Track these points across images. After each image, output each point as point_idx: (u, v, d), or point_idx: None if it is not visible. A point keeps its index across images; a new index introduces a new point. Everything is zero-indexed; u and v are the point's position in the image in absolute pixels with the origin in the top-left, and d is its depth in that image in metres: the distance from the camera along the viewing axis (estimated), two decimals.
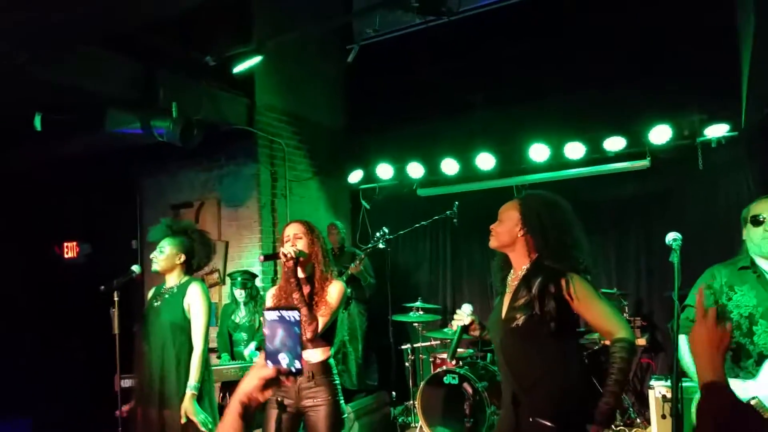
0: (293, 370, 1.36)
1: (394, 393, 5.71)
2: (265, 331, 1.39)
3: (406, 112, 6.66)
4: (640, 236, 5.83)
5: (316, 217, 6.36)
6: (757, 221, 2.55)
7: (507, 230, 2.43)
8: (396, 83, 6.78)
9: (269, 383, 1.38)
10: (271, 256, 3.08)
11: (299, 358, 1.35)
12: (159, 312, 3.44)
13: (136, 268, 3.66)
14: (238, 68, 5.17)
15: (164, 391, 3.34)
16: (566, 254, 2.33)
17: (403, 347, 5.71)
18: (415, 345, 5.72)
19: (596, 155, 5.69)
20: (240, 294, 4.73)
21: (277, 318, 1.37)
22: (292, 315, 1.36)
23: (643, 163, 5.58)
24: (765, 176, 5.32)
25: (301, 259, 2.95)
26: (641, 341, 5.39)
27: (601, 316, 2.28)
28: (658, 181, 5.71)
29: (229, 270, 5.70)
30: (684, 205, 5.58)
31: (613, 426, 5.06)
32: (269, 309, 1.39)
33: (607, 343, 5.41)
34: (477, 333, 2.61)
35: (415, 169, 6.41)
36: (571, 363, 2.33)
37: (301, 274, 2.99)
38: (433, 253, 6.86)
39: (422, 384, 5.02)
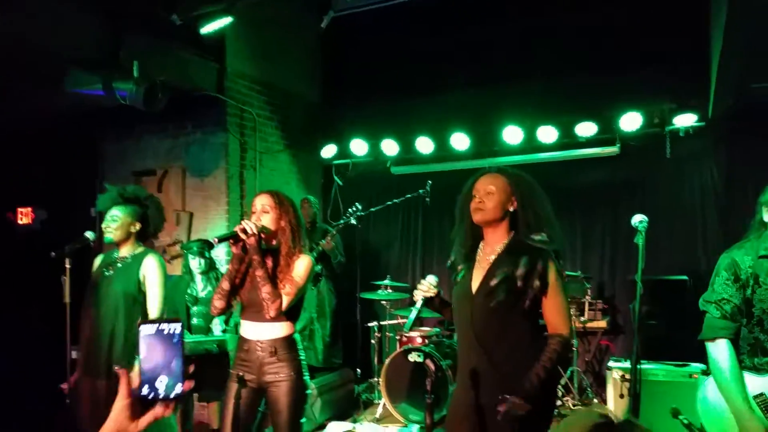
0: (172, 396, 1.16)
1: (358, 370, 5.72)
2: (141, 349, 1.18)
3: (383, 87, 6.58)
4: (607, 221, 5.92)
5: (287, 191, 6.12)
6: None
7: (498, 204, 2.32)
8: (374, 58, 6.69)
9: (140, 410, 1.16)
10: (226, 237, 2.84)
11: (181, 380, 1.16)
12: (111, 281, 3.34)
13: (89, 234, 3.53)
14: (207, 28, 4.98)
15: (112, 361, 3.25)
16: (549, 235, 2.29)
17: (370, 325, 5.70)
18: (382, 323, 5.72)
19: (568, 140, 5.74)
20: (198, 264, 4.59)
21: (154, 332, 1.17)
22: (173, 328, 1.17)
23: (613, 150, 5.65)
24: (730, 166, 5.45)
25: (264, 234, 2.88)
26: (602, 323, 5.51)
27: (557, 309, 2.27)
28: (626, 168, 5.80)
29: (184, 243, 5.57)
30: (650, 193, 5.68)
31: (570, 405, 5.17)
32: (146, 322, 1.19)
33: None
34: (437, 305, 2.54)
35: (390, 147, 6.35)
36: (542, 343, 2.29)
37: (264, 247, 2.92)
38: (404, 232, 6.84)
39: (387, 361, 5.02)
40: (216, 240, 2.82)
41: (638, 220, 2.74)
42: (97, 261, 3.53)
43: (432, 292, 2.48)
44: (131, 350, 3.24)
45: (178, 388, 1.16)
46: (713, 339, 2.42)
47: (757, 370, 2.38)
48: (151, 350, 1.16)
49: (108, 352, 3.26)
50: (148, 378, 1.16)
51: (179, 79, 5.17)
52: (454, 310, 2.50)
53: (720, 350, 2.40)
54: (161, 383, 1.16)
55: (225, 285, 2.88)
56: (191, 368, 1.18)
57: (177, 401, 1.16)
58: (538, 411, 2.21)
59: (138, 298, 3.33)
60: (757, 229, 2.46)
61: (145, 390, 1.15)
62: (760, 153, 5.24)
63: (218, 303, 2.90)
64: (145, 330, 1.17)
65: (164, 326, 1.17)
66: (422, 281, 2.52)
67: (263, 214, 2.91)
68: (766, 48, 3.81)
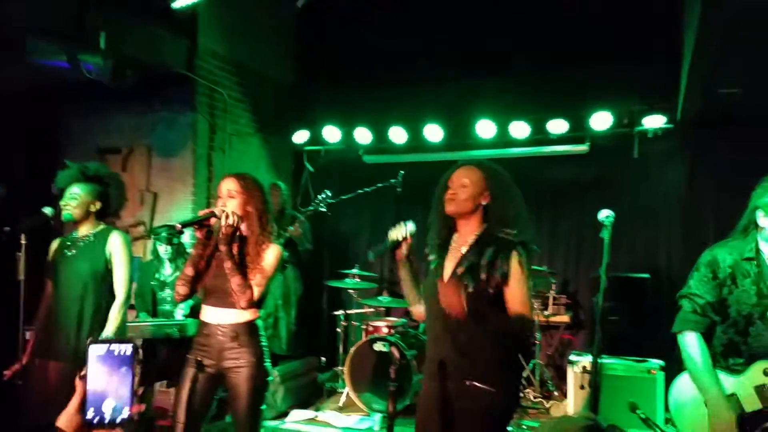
0: (117, 421, 1.12)
1: (323, 358, 5.69)
2: (89, 369, 1.13)
3: (358, 75, 6.52)
4: (574, 219, 6.00)
5: (256, 175, 6.07)
6: None
7: (470, 197, 2.35)
8: (350, 44, 6.61)
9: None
10: (191, 223, 2.75)
11: (129, 404, 1.12)
12: (75, 261, 3.25)
13: (47, 210, 3.43)
14: (179, 3, 4.84)
15: (79, 344, 3.16)
16: (520, 228, 2.32)
17: (336, 313, 5.67)
18: (348, 311, 5.70)
19: (540, 136, 5.78)
20: (165, 250, 4.51)
21: (104, 353, 1.12)
22: (124, 349, 1.12)
23: (583, 148, 5.72)
24: (694, 170, 5.57)
25: (232, 224, 2.82)
26: (564, 318, 5.59)
27: (519, 298, 2.27)
28: (594, 167, 5.88)
29: (156, 224, 5.45)
30: (617, 192, 5.76)
31: (531, 398, 5.23)
32: (96, 342, 1.15)
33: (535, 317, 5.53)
34: (404, 253, 2.50)
35: (363, 135, 6.30)
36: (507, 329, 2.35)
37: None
38: (374, 222, 6.79)
39: (352, 350, 5.01)
40: (179, 225, 2.74)
41: (605, 215, 2.77)
42: (55, 244, 3.42)
43: (403, 235, 2.47)
44: (99, 331, 3.18)
45: (125, 412, 1.12)
46: (683, 331, 2.48)
47: (731, 370, 2.42)
48: (99, 372, 1.12)
49: (75, 334, 3.17)
50: (94, 401, 1.11)
51: (148, 55, 5.00)
52: (424, 299, 2.52)
53: (690, 342, 2.45)
54: (108, 407, 1.12)
55: (189, 271, 2.81)
56: (140, 391, 1.14)
57: (123, 426, 1.12)
58: (502, 400, 2.26)
59: (105, 276, 3.26)
60: (744, 230, 2.48)
61: (90, 413, 1.11)
62: (723, 158, 5.37)
63: (181, 289, 2.83)
64: (95, 350, 1.13)
65: (115, 347, 1.13)
66: (401, 224, 2.51)
67: (229, 199, 2.84)
68: (736, 54, 3.89)
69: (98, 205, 3.34)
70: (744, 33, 3.59)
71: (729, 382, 2.41)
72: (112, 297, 3.26)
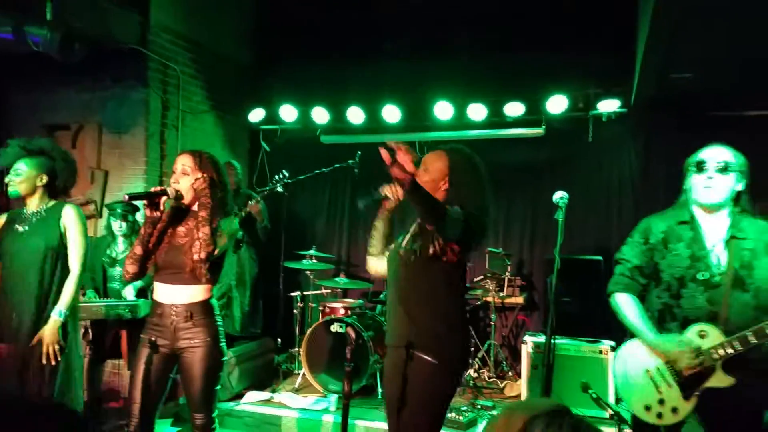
0: None
1: (279, 340, 5.66)
2: None
3: (316, 54, 6.43)
4: (528, 201, 6.09)
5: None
6: (701, 167, 2.45)
7: (431, 181, 2.46)
8: (308, 22, 6.50)
9: None
10: (139, 196, 2.71)
11: None
12: (27, 237, 3.18)
13: None
14: None
15: (40, 323, 3.11)
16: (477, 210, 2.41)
17: (292, 294, 5.63)
18: (305, 293, 5.66)
19: (497, 119, 5.81)
20: (119, 226, 4.39)
21: None
22: None
23: (538, 131, 5.78)
24: (647, 154, 5.71)
25: (184, 201, 2.79)
26: (519, 299, 5.69)
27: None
28: (550, 150, 5.95)
29: (108, 199, 5.29)
30: (571, 175, 5.86)
31: (486, 378, 5.32)
32: None
33: (488, 299, 5.65)
34: (390, 208, 2.66)
35: (320, 115, 6.23)
36: (456, 306, 2.49)
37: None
38: (331, 203, 6.76)
39: (308, 331, 4.99)
40: (127, 197, 2.68)
41: (559, 196, 2.80)
42: (1, 219, 3.31)
43: (394, 194, 2.59)
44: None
45: None
46: (615, 293, 2.60)
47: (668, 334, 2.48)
48: None
49: (33, 312, 3.12)
50: None
51: (98, 29, 4.82)
52: (387, 269, 2.65)
53: (621, 300, 2.58)
54: None
55: (138, 250, 2.75)
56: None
57: None
58: (445, 370, 2.37)
59: (61, 250, 3.22)
60: (681, 201, 2.58)
61: None
62: (676, 142, 5.50)
63: (131, 268, 2.77)
64: None
65: None
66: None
67: (183, 176, 2.78)
68: (688, 40, 3.98)
69: (45, 179, 3.27)
70: (696, 20, 3.68)
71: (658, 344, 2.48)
72: (66, 272, 3.22)
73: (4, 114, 5.84)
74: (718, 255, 2.42)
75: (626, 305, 2.56)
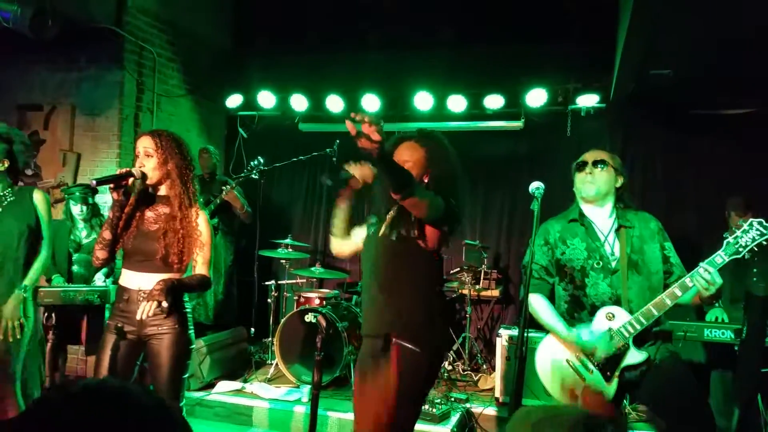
0: None
1: (252, 329, 5.59)
2: None
3: (296, 40, 6.35)
4: (506, 194, 6.09)
5: (187, 139, 5.67)
6: (580, 167, 2.77)
7: (409, 168, 2.43)
8: (289, 8, 6.41)
9: None
10: (106, 180, 2.62)
11: None
12: (4, 218, 3.18)
13: None
14: None
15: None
16: (456, 200, 2.44)
17: (267, 283, 5.57)
18: (280, 282, 5.61)
19: (476, 111, 5.81)
20: (80, 210, 4.28)
21: None
22: None
23: (517, 124, 5.79)
24: (624, 149, 5.73)
25: (148, 182, 2.72)
26: (495, 293, 5.69)
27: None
28: (528, 143, 5.97)
29: (72, 185, 5.18)
30: (549, 169, 5.82)
31: (460, 370, 5.33)
32: None
33: (464, 292, 5.63)
34: (356, 188, 2.63)
35: (299, 102, 6.15)
36: (437, 294, 2.51)
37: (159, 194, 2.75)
38: (309, 191, 6.70)
39: (282, 321, 4.94)
40: (94, 183, 2.61)
41: (535, 186, 2.79)
42: None
43: (362, 174, 2.58)
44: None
45: None
46: (527, 296, 2.71)
47: (581, 324, 2.64)
48: None
49: (9, 292, 3.12)
50: None
51: (73, 8, 4.73)
52: (362, 256, 2.62)
53: (534, 300, 2.75)
54: None
55: (106, 234, 2.68)
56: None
57: None
58: (426, 358, 2.36)
59: (34, 233, 3.26)
60: (572, 204, 2.87)
61: None
62: (653, 137, 5.56)
63: (100, 254, 2.70)
64: None
65: None
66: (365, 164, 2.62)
67: (146, 157, 2.71)
68: (667, 36, 4.00)
69: (6, 163, 3.26)
70: (675, 17, 3.69)
71: (576, 334, 2.62)
72: (34, 255, 3.27)
73: None
74: (611, 244, 2.66)
75: (538, 305, 2.74)
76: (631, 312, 2.55)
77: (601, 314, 2.59)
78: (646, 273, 2.60)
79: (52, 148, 5.43)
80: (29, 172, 3.48)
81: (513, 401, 2.71)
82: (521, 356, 2.86)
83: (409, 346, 2.32)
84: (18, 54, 5.37)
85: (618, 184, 2.73)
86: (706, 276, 2.34)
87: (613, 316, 2.56)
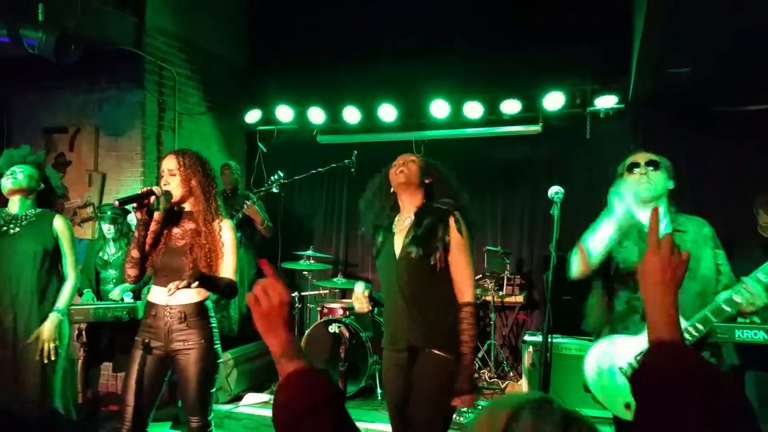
0: None
1: None
2: None
3: (311, 54, 6.41)
4: (527, 199, 6.04)
5: (208, 155, 5.81)
6: (631, 167, 2.64)
7: (420, 170, 2.58)
8: (303, 22, 6.49)
9: None
10: (129, 200, 2.68)
11: None
12: (20, 239, 3.20)
13: None
14: None
15: (32, 325, 3.12)
16: (462, 199, 2.59)
17: (291, 295, 5.59)
18: (303, 293, 5.64)
19: (493, 117, 5.79)
20: (108, 229, 4.38)
21: None
22: None
23: (536, 128, 5.76)
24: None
25: (173, 200, 2.78)
26: (519, 298, 5.65)
27: (463, 269, 2.49)
28: (547, 147, 5.92)
29: (99, 205, 5.29)
30: (569, 172, 5.82)
31: (486, 378, 5.29)
32: None
33: (488, 299, 5.59)
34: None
35: (316, 115, 6.21)
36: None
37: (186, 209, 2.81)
38: (328, 202, 6.73)
39: (307, 332, 4.97)
40: (117, 202, 2.68)
41: (554, 191, 2.78)
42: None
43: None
44: (49, 309, 3.21)
45: None
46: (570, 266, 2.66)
47: (635, 329, 2.50)
48: None
49: (28, 313, 3.15)
50: None
51: (94, 31, 4.85)
52: (380, 278, 2.67)
53: (577, 251, 2.61)
54: None
55: (134, 253, 2.74)
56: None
57: None
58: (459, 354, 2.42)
59: (54, 255, 3.30)
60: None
61: None
62: (674, 138, 5.48)
63: (131, 271, 2.77)
64: None
65: None
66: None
67: (170, 176, 2.78)
68: (685, 33, 3.95)
69: (43, 186, 3.36)
70: (692, 13, 3.65)
71: (635, 342, 2.48)
72: (56, 275, 3.30)
73: (2, 118, 5.85)
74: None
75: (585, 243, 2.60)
76: (686, 320, 2.41)
77: None
78: (699, 279, 2.50)
79: (77, 169, 5.55)
80: (57, 198, 3.53)
81: None
82: (546, 362, 2.84)
83: (444, 354, 2.41)
84: (42, 79, 5.53)
85: (671, 186, 2.63)
86: (747, 296, 2.28)
87: None
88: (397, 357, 2.52)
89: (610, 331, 2.59)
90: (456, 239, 2.47)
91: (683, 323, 2.37)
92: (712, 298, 2.41)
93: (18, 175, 3.24)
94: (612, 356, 2.53)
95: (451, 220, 2.48)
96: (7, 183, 3.23)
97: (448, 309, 2.46)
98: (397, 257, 2.53)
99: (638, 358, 2.46)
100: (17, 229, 3.20)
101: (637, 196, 2.59)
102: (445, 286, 2.49)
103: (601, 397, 2.58)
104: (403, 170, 2.56)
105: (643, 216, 2.58)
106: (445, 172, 2.66)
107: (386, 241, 2.63)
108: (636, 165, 2.64)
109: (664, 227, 2.56)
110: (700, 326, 2.36)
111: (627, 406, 2.47)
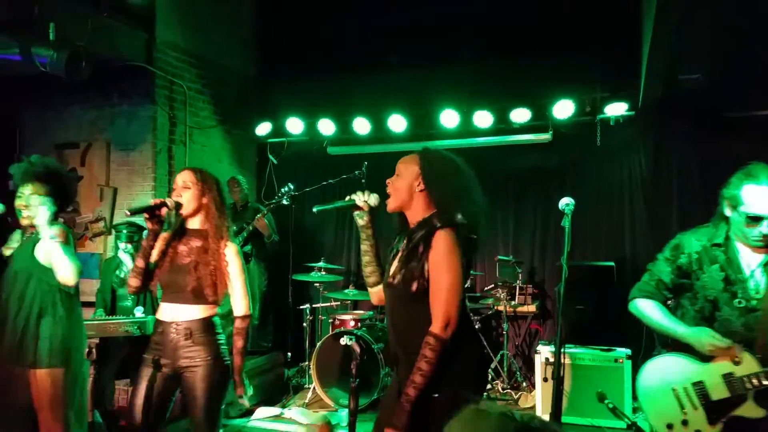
0: None
1: (289, 354, 5.62)
2: None
3: (320, 66, 6.44)
4: (538, 207, 6.01)
5: (218, 169, 6.04)
6: (756, 220, 2.31)
7: (406, 185, 2.24)
8: (312, 35, 6.53)
9: None
10: (140, 210, 2.66)
11: None
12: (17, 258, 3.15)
13: None
14: None
15: (38, 344, 3.04)
16: (459, 212, 2.16)
17: (302, 307, 5.59)
18: (314, 305, 5.63)
19: (503, 126, 5.78)
20: (125, 247, 4.40)
21: None
22: None
23: (546, 137, 5.73)
24: (657, 156, 5.62)
25: (183, 211, 2.77)
26: (531, 308, 5.60)
27: (435, 291, 2.08)
28: (558, 155, 5.89)
29: (116, 218, 5.32)
30: (581, 180, 5.80)
31: (500, 389, 5.24)
32: None
33: (500, 308, 5.54)
34: (365, 220, 2.40)
35: (326, 126, 6.22)
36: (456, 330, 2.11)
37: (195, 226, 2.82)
38: (339, 214, 6.70)
39: (318, 345, 4.95)
40: (128, 212, 2.68)
41: (565, 203, 2.73)
42: (16, 236, 3.31)
43: (363, 200, 2.38)
44: (59, 329, 3.08)
45: None
46: (636, 298, 2.57)
47: (700, 357, 2.40)
48: None
49: (33, 335, 3.04)
50: None
51: (104, 47, 4.91)
52: (383, 292, 2.42)
53: (642, 304, 2.54)
54: None
55: (140, 263, 2.74)
56: None
57: None
58: (442, 403, 2.04)
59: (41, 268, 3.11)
60: (718, 220, 2.51)
61: None
62: (685, 144, 5.43)
63: (133, 281, 2.76)
64: None
65: None
66: (366, 192, 2.41)
67: (184, 189, 2.78)
68: (694, 39, 3.92)
69: (54, 206, 3.20)
70: (700, 17, 3.61)
71: (697, 369, 2.40)
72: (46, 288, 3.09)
73: (15, 134, 5.92)
74: (756, 280, 2.36)
75: (649, 308, 2.52)
76: (762, 362, 2.27)
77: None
78: None
79: (89, 184, 5.60)
80: (69, 208, 3.50)
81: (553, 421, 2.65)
82: (558, 377, 2.78)
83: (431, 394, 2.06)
84: (53, 95, 5.59)
85: None
86: None
87: (740, 361, 2.29)
88: (393, 382, 2.36)
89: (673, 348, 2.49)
90: (432, 259, 2.08)
91: (755, 367, 2.27)
92: None
93: (24, 211, 3.13)
94: (669, 375, 2.46)
95: (434, 239, 2.10)
96: (23, 220, 3.16)
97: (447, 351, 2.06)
98: (388, 279, 2.26)
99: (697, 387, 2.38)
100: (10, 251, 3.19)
101: (749, 243, 2.39)
102: (428, 314, 2.11)
103: (646, 409, 2.51)
104: (389, 192, 2.29)
105: (739, 244, 2.42)
106: (443, 171, 2.25)
107: (389, 264, 2.32)
108: (759, 219, 2.31)
109: (760, 257, 2.38)
110: None
111: (669, 426, 2.40)
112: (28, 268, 3.08)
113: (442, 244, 2.09)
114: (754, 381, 2.25)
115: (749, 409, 2.27)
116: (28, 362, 2.98)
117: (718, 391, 2.33)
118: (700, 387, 2.37)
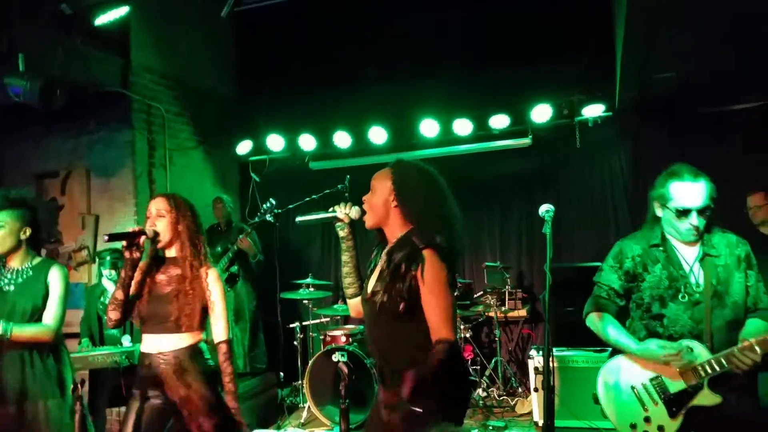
0: None
1: (282, 374, 5.55)
2: None
3: (299, 81, 6.46)
4: (523, 211, 6.04)
5: (201, 190, 6.00)
6: (684, 213, 2.42)
7: (382, 201, 2.20)
8: (289, 51, 6.54)
9: None
10: (118, 236, 2.61)
11: None
12: (15, 297, 3.04)
13: None
14: (102, 19, 4.71)
15: (26, 383, 2.98)
16: (436, 227, 2.13)
17: (291, 326, 5.55)
18: (304, 323, 5.58)
19: (482, 132, 5.82)
20: (109, 273, 4.35)
21: None
22: None
23: (525, 141, 5.77)
24: (636, 155, 5.67)
25: (160, 240, 2.73)
26: (522, 312, 5.60)
27: (433, 309, 2.04)
28: (539, 159, 5.94)
29: (100, 246, 5.25)
30: (563, 182, 5.84)
31: (495, 396, 5.22)
32: None
33: (491, 314, 5.52)
34: (346, 232, 2.38)
35: (307, 141, 6.22)
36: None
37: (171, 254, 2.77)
38: (325, 229, 6.70)
39: (310, 363, 4.91)
40: (106, 238, 2.60)
41: (545, 209, 2.72)
42: None
43: (342, 215, 2.36)
44: (51, 366, 3.06)
45: None
46: (590, 312, 2.66)
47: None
48: None
49: (19, 377, 2.98)
50: None
51: (79, 74, 4.87)
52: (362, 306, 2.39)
53: (597, 318, 2.62)
54: None
55: (118, 294, 2.68)
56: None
57: None
58: (427, 420, 1.99)
59: (42, 309, 3.07)
60: (651, 222, 2.61)
61: None
62: (662, 142, 5.47)
63: (113, 314, 2.69)
64: None
65: None
66: (348, 205, 2.39)
67: (158, 218, 2.73)
68: (665, 37, 3.96)
69: (28, 232, 3.13)
70: (670, 19, 3.66)
71: (653, 365, 2.48)
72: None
73: None
74: (696, 274, 2.47)
75: (603, 322, 2.60)
76: (712, 348, 2.36)
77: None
78: (730, 306, 2.41)
79: (70, 213, 5.53)
80: (51, 239, 3.43)
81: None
82: (549, 386, 2.76)
83: (415, 409, 1.95)
84: (30, 124, 5.52)
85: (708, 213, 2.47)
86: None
87: (691, 351, 2.38)
88: (378, 397, 2.32)
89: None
90: (427, 280, 2.04)
91: (705, 355, 2.35)
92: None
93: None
94: (626, 375, 2.54)
95: (424, 261, 2.05)
96: None
97: (418, 355, 2.02)
98: (364, 297, 2.25)
99: (655, 381, 2.46)
100: (11, 287, 3.08)
101: (679, 238, 2.51)
102: (412, 329, 2.08)
103: (608, 413, 2.58)
104: (366, 210, 2.27)
105: (675, 241, 2.52)
106: (417, 185, 2.19)
107: (368, 279, 2.29)
108: (687, 212, 2.42)
109: (696, 251, 2.49)
110: (723, 361, 2.30)
111: (633, 426, 2.46)
112: (36, 304, 3.05)
113: (429, 264, 2.06)
114: (708, 368, 2.34)
115: (706, 397, 2.37)
116: (30, 397, 2.95)
117: (676, 384, 2.42)
118: (658, 381, 2.46)
